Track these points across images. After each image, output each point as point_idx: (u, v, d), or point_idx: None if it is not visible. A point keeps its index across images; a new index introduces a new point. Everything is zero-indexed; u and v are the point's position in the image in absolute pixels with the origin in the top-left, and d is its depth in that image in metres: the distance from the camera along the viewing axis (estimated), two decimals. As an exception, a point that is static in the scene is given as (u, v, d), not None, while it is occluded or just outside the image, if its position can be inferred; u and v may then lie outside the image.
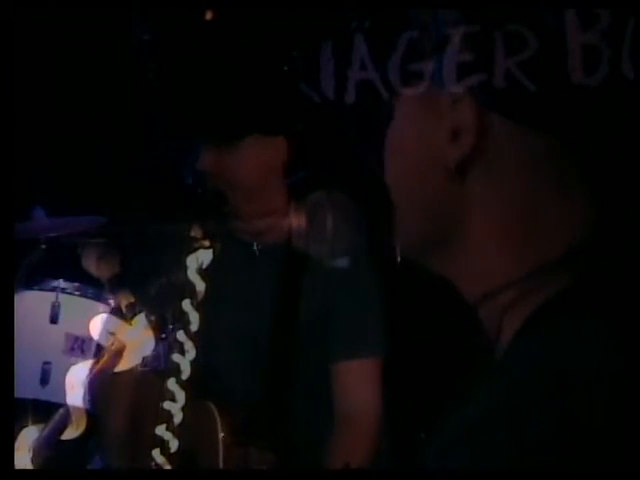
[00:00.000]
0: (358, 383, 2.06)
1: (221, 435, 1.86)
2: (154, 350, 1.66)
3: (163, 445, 1.69)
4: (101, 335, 1.57)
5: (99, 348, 1.62)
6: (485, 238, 0.83)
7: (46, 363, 2.85)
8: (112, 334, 1.57)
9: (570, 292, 0.79)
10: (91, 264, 1.99)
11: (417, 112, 0.83)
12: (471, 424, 0.73)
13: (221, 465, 1.86)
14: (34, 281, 2.94)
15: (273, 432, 1.98)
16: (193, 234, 1.73)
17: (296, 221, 1.56)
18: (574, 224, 0.82)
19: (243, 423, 1.94)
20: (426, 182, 0.83)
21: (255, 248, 2.10)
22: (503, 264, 0.83)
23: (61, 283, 2.96)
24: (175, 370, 1.69)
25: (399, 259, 0.89)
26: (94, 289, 2.74)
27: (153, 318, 1.61)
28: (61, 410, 1.52)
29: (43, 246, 2.67)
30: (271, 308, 2.07)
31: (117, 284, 1.72)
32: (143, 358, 1.66)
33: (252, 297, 2.09)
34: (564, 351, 0.75)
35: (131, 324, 1.58)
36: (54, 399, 2.47)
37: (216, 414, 1.88)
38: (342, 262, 1.89)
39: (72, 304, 2.92)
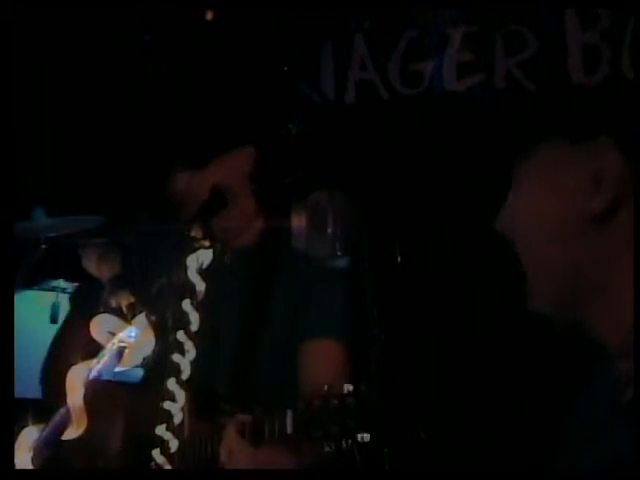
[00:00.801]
0: (320, 360, 2.10)
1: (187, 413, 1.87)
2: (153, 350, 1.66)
3: (163, 445, 1.69)
4: (101, 335, 1.57)
5: (99, 348, 1.62)
6: (628, 286, 0.82)
7: (46, 363, 2.85)
8: (112, 334, 1.57)
9: None
10: (91, 264, 1.99)
11: (551, 173, 0.80)
12: None
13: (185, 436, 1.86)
14: (34, 281, 2.94)
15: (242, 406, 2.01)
16: (193, 234, 1.73)
17: (296, 221, 1.57)
18: None
19: (208, 401, 1.96)
20: (571, 239, 0.81)
21: (228, 248, 2.13)
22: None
23: (61, 283, 2.97)
24: (175, 370, 1.69)
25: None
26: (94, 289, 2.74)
27: (153, 318, 1.61)
28: (61, 410, 1.52)
29: (43, 246, 2.67)
30: (244, 307, 2.11)
31: (117, 284, 1.72)
32: (143, 358, 1.66)
33: (225, 297, 2.12)
34: None
35: (131, 324, 1.58)
36: (54, 399, 2.47)
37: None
38: (327, 260, 1.92)
39: (72, 304, 2.92)
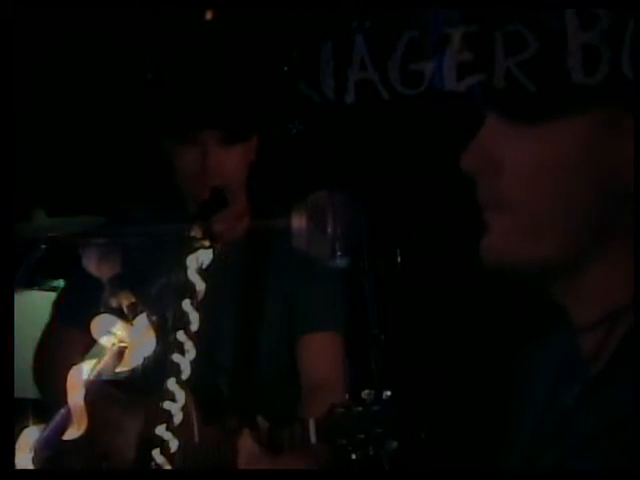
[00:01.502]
0: (319, 353, 2.12)
1: (194, 416, 1.88)
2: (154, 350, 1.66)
3: (163, 445, 1.69)
4: (102, 335, 1.57)
5: (99, 348, 1.62)
6: (616, 262, 0.83)
7: (46, 363, 2.85)
8: (113, 334, 1.57)
9: None
10: (91, 264, 1.99)
11: (589, 134, 0.81)
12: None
13: (197, 440, 1.86)
14: (34, 281, 2.94)
15: (245, 409, 2.02)
16: (193, 234, 1.73)
17: (296, 221, 1.57)
18: None
19: (214, 403, 1.97)
20: (592, 204, 0.82)
21: (219, 247, 2.14)
22: (618, 290, 0.83)
23: (61, 283, 2.97)
24: (175, 370, 1.69)
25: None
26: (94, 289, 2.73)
27: (153, 318, 1.61)
28: (61, 410, 1.52)
29: (43, 246, 2.67)
30: (238, 303, 2.12)
31: (118, 284, 1.71)
32: (143, 358, 1.66)
33: (220, 294, 2.12)
34: None
35: (132, 324, 1.58)
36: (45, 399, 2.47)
37: (192, 406, 1.90)
38: (327, 260, 1.92)
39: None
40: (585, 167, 0.81)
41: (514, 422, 0.99)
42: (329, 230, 1.60)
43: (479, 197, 0.87)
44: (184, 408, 1.82)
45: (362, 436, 1.67)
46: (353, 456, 1.66)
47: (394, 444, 1.65)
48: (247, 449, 1.73)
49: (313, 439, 1.72)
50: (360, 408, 1.68)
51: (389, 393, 1.68)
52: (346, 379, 2.13)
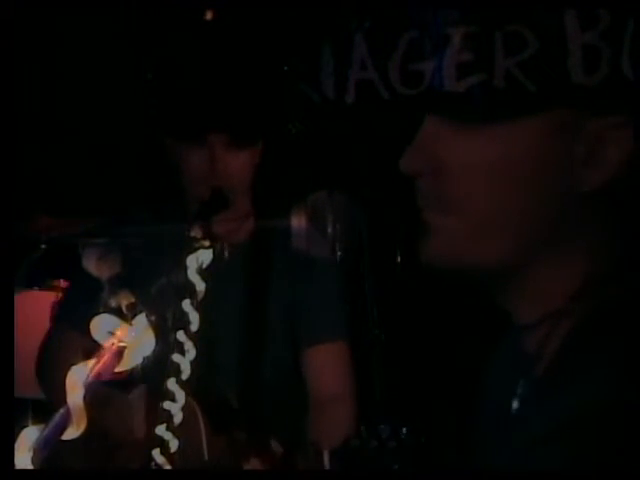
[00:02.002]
0: (327, 365, 2.11)
1: (203, 429, 1.88)
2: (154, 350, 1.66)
3: (163, 445, 1.69)
4: (101, 335, 1.57)
5: (99, 348, 1.62)
6: (562, 262, 0.84)
7: (46, 363, 2.85)
8: (112, 334, 1.57)
9: (597, 315, 0.80)
10: (91, 264, 1.99)
11: (544, 135, 0.81)
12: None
13: (206, 456, 1.87)
14: (34, 281, 2.94)
15: (253, 422, 2.01)
16: (193, 234, 1.73)
17: (296, 221, 1.57)
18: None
19: (224, 415, 1.96)
20: (538, 206, 0.82)
21: (223, 248, 2.14)
22: (563, 290, 0.83)
23: (61, 283, 2.97)
24: (175, 370, 1.69)
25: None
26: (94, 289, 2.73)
27: (153, 318, 1.61)
28: (61, 410, 1.52)
29: (43, 246, 2.67)
30: (241, 306, 2.12)
31: (117, 284, 1.71)
32: (143, 358, 1.66)
33: (222, 296, 2.12)
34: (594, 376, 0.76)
35: (131, 324, 1.58)
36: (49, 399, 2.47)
37: (197, 409, 1.90)
38: (308, 257, 1.92)
39: (72, 304, 2.92)
40: (531, 169, 0.81)
41: (471, 423, 1.00)
42: (329, 230, 1.60)
43: (420, 199, 0.87)
44: (191, 418, 1.83)
45: (375, 468, 1.67)
46: None
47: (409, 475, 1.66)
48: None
49: (327, 467, 1.72)
50: (376, 443, 1.68)
51: (405, 430, 1.68)
52: (355, 389, 2.12)
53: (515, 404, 0.88)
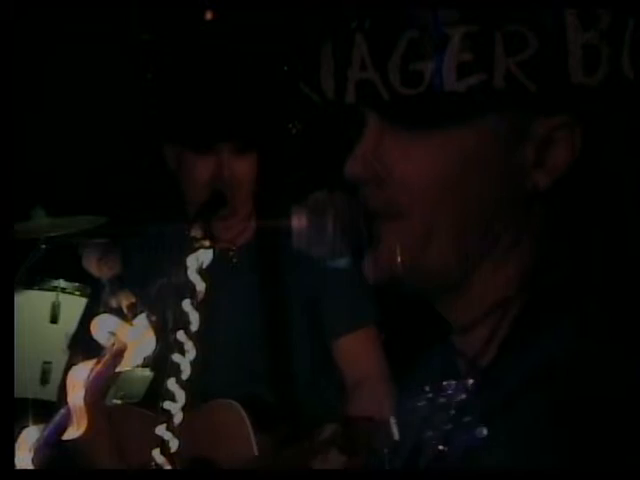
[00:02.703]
0: (360, 352, 2.12)
1: (251, 430, 1.89)
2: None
3: (163, 445, 1.69)
4: (101, 335, 1.57)
5: (99, 348, 1.62)
6: (503, 259, 0.83)
7: (46, 363, 2.85)
8: (112, 334, 1.56)
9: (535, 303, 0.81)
10: (91, 264, 1.99)
11: (493, 136, 0.81)
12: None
13: (256, 454, 1.88)
14: (34, 281, 2.94)
15: (292, 415, 2.03)
16: (193, 234, 1.74)
17: (296, 221, 1.56)
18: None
19: (266, 414, 1.97)
20: (485, 210, 0.82)
21: (232, 249, 2.14)
22: (503, 286, 0.84)
23: (61, 283, 2.97)
24: (175, 370, 1.69)
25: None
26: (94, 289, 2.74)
27: (154, 318, 1.61)
28: (61, 410, 1.52)
29: (43, 246, 2.67)
30: (255, 305, 2.11)
31: (117, 284, 1.71)
32: (144, 358, 1.66)
33: (233, 297, 2.12)
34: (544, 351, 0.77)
35: (132, 324, 1.58)
36: (54, 399, 2.47)
37: (243, 413, 1.91)
38: (328, 261, 1.92)
39: (72, 304, 2.92)
40: (477, 175, 0.81)
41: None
42: (329, 230, 1.60)
43: (366, 205, 0.85)
44: (238, 422, 1.83)
45: (449, 427, 1.67)
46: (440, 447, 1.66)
47: (484, 431, 1.64)
48: (322, 456, 1.74)
49: (396, 436, 1.71)
50: (444, 399, 1.67)
51: (471, 381, 1.67)
52: (388, 370, 2.13)
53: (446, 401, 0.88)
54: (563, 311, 0.79)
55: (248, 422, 1.92)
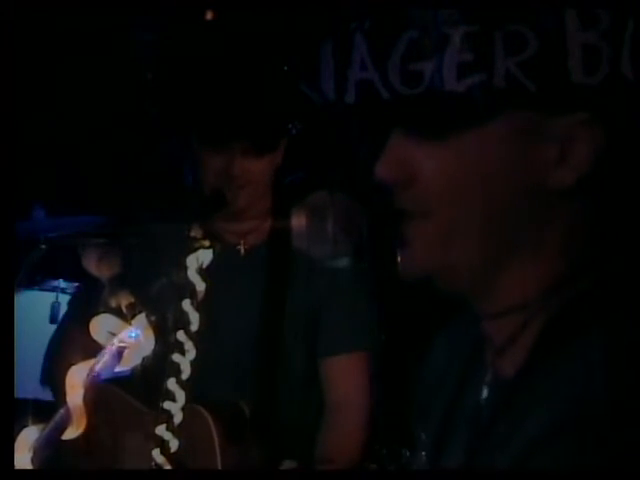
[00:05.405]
0: (344, 376, 2.11)
1: (216, 438, 1.88)
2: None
3: (163, 445, 1.69)
4: (101, 335, 1.57)
5: (99, 348, 1.62)
6: (531, 259, 0.83)
7: (46, 363, 2.85)
8: (112, 334, 1.57)
9: (573, 307, 0.81)
10: (91, 264, 1.99)
11: (513, 136, 0.81)
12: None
13: (219, 465, 1.87)
14: (34, 281, 2.94)
15: (266, 429, 2.01)
16: (193, 234, 1.73)
17: (296, 222, 1.56)
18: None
19: (236, 423, 1.96)
20: (510, 208, 0.82)
21: (241, 248, 2.14)
22: (531, 285, 0.84)
23: (61, 283, 2.97)
24: (175, 370, 1.69)
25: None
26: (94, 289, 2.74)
27: (153, 318, 1.61)
28: (61, 410, 1.52)
29: (43, 246, 2.67)
30: (257, 307, 2.11)
31: (117, 284, 1.71)
32: (143, 358, 1.66)
33: (238, 297, 2.12)
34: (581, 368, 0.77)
35: (131, 324, 1.58)
36: (54, 399, 2.47)
37: (209, 417, 1.90)
38: (329, 261, 1.91)
39: (72, 304, 2.92)
40: (501, 174, 0.81)
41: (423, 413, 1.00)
42: (329, 230, 1.60)
43: (398, 207, 0.87)
44: (203, 426, 1.82)
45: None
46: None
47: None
48: None
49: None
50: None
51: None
52: (372, 398, 2.11)
53: (480, 403, 0.89)
54: (595, 317, 0.79)
55: (214, 430, 1.90)
